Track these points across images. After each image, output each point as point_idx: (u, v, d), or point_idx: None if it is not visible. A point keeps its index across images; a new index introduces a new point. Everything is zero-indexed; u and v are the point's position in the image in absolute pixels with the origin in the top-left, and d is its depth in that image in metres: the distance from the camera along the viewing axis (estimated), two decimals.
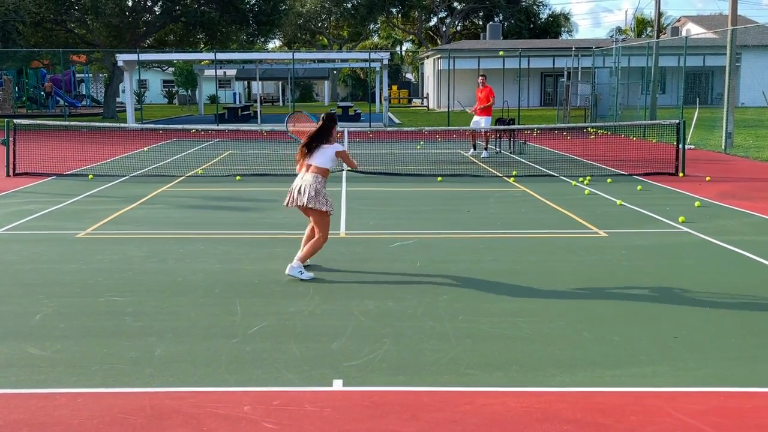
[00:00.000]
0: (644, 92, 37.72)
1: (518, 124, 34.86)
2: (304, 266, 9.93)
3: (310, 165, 9.97)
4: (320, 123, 10.06)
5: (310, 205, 9.80)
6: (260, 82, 62.01)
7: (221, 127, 34.60)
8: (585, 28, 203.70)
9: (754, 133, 33.60)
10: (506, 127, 26.39)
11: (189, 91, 79.29)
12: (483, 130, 25.35)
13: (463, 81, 57.73)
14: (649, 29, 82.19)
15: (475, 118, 25.43)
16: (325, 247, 10.16)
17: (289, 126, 11.43)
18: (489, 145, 26.05)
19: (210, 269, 10.29)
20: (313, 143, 9.96)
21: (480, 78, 25.78)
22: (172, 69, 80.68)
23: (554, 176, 20.18)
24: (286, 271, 9.79)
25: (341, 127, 23.62)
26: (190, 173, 20.83)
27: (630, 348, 7.28)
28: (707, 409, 6.00)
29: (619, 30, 78.03)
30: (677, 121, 21.34)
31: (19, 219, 14.00)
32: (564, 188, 18.05)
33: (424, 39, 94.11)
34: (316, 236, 10.03)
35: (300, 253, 9.98)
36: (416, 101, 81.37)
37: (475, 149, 25.80)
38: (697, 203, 15.52)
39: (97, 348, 7.28)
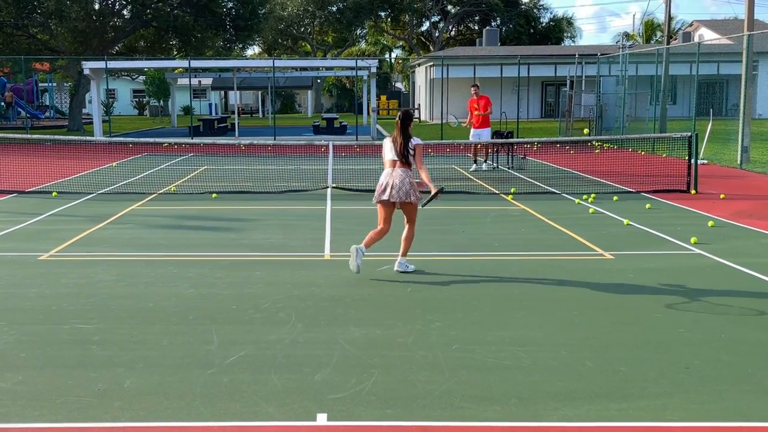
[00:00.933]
0: (653, 103, 37.76)
1: (517, 137, 34.93)
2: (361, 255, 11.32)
3: (395, 161, 11.47)
4: (398, 120, 11.58)
5: (406, 200, 11.32)
6: (238, 92, 62.06)
7: (196, 140, 34.55)
8: (589, 34, 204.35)
9: None
10: (504, 140, 26.41)
11: (161, 101, 79.36)
12: (483, 143, 25.49)
13: (457, 90, 57.79)
14: (658, 34, 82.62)
15: (475, 130, 25.51)
16: (308, 270, 10.31)
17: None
18: (480, 159, 26.17)
19: (184, 294, 10.30)
20: (400, 139, 11.49)
21: (473, 88, 25.83)
22: (142, 78, 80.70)
23: (556, 194, 20.24)
24: (395, 269, 11.57)
25: (325, 140, 23.67)
26: (162, 190, 20.85)
27: (638, 379, 7.29)
28: None
29: (626, 35, 78.27)
30: (689, 133, 21.39)
31: None
32: (566, 207, 18.10)
33: (415, 45, 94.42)
34: (409, 226, 11.63)
35: (401, 250, 11.62)
36: None
37: (476, 164, 25.89)
38: (710, 223, 15.58)
39: (61, 379, 7.28)
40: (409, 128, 11.61)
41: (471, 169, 25.73)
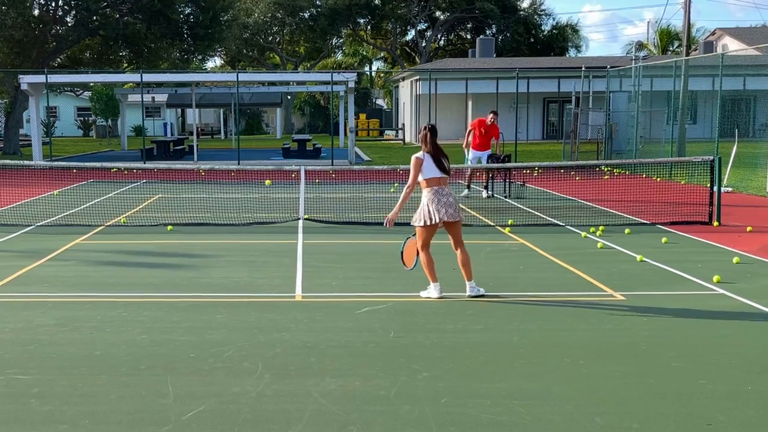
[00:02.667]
0: (671, 122, 37.86)
1: (515, 161, 35.03)
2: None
3: (440, 178, 12.38)
4: (428, 133, 12.58)
5: (459, 219, 12.42)
6: (197, 110, 62.02)
7: (149, 165, 34.62)
8: (597, 43, 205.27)
9: None
10: (501, 165, 26.45)
11: (109, 120, 79.27)
12: (483, 168, 25.66)
13: (447, 108, 58.00)
14: (676, 44, 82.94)
15: (475, 153, 25.67)
16: (277, 313, 10.35)
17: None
18: (475, 186, 26.30)
19: (135, 340, 10.28)
20: (442, 152, 12.49)
21: (491, 114, 26.10)
22: (88, 93, 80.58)
23: (559, 226, 20.33)
24: (469, 294, 12.50)
25: (296, 165, 23.72)
26: (110, 222, 20.83)
27: None
28: None
29: (639, 45, 78.57)
30: (711, 157, 21.48)
31: None
32: (571, 241, 18.19)
33: (398, 56, 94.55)
34: (461, 249, 12.57)
35: (465, 276, 12.60)
36: (389, 133, 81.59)
37: (469, 189, 26.10)
38: (735, 259, 15.64)
39: None
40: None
41: (462, 194, 25.84)
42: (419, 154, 12.45)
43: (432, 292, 12.54)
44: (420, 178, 12.39)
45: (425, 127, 12.62)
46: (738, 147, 31.46)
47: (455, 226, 12.46)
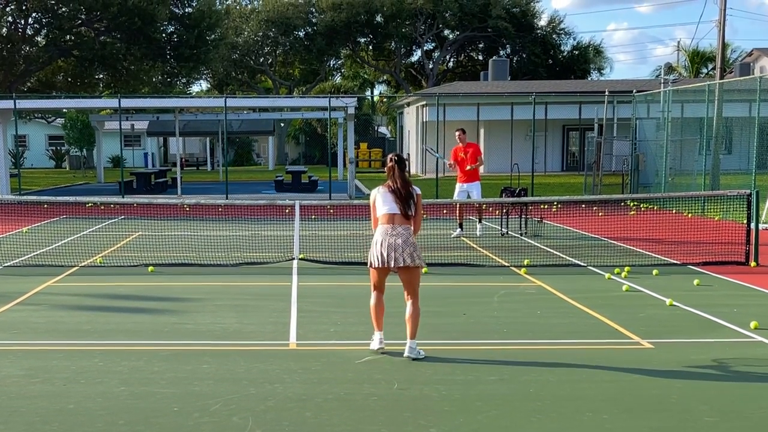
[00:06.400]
0: (703, 152, 37.77)
1: (532, 195, 35.04)
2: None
3: (393, 215, 11.77)
4: (394, 166, 11.88)
5: (412, 265, 11.70)
6: (181, 139, 61.97)
7: (128, 199, 34.52)
8: (623, 65, 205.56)
9: None
10: (516, 199, 26.40)
11: (84, 150, 79.36)
12: (476, 203, 25.57)
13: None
14: (709, 66, 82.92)
15: (461, 186, 25.49)
16: (269, 363, 10.32)
17: None
18: (486, 222, 26.29)
19: (112, 393, 10.28)
20: (405, 188, 11.81)
21: (457, 132, 25.83)
22: (61, 120, 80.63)
23: (581, 266, 20.33)
24: (405, 355, 11.77)
25: (290, 199, 23.75)
26: (85, 263, 20.84)
27: None
28: None
29: (669, 67, 78.37)
30: (748, 191, 21.46)
31: None
32: (594, 283, 18.18)
33: (403, 80, 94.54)
34: (412, 301, 11.92)
35: (409, 332, 11.88)
36: None
37: (461, 229, 25.90)
38: None
39: None
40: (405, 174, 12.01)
41: (453, 235, 25.73)
42: (376, 189, 12.08)
43: (373, 342, 12.27)
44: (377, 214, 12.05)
45: (391, 158, 12.03)
46: None
47: (407, 273, 11.86)
